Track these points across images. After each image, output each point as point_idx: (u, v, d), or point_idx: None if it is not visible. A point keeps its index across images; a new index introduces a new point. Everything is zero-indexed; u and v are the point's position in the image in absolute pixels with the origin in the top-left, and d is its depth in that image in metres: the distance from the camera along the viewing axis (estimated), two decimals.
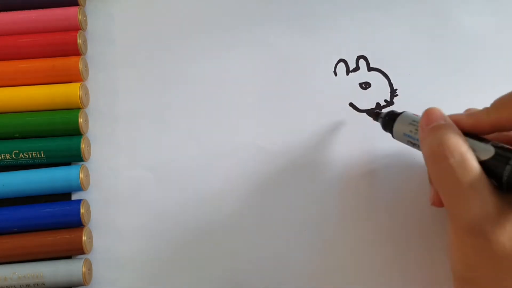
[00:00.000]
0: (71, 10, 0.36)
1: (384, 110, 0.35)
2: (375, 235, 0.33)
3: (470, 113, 0.27)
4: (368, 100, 0.36)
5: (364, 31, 0.38)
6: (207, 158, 0.35)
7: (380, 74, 0.37)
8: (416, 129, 0.29)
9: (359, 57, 0.37)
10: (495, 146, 0.26)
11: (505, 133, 0.28)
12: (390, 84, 0.37)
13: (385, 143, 0.34)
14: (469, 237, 0.25)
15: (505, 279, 0.24)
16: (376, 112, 0.34)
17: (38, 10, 0.36)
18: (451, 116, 0.28)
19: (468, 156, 0.25)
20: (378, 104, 0.36)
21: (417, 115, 0.30)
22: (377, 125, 0.33)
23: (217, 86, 0.37)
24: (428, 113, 0.28)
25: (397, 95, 0.36)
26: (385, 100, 0.36)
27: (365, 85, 0.37)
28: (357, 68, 0.37)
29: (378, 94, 0.36)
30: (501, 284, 0.24)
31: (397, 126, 0.31)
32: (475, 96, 0.36)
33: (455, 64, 0.37)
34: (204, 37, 0.37)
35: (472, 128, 0.27)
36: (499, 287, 0.24)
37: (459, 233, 0.25)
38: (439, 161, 0.26)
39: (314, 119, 0.36)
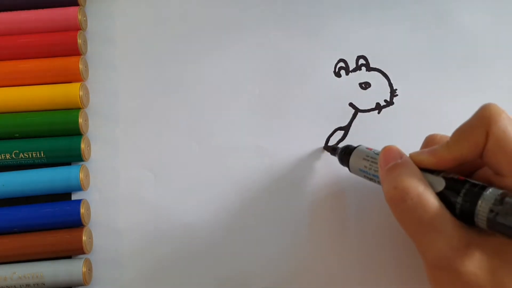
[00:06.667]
0: (71, 10, 0.36)
1: (341, 145, 0.35)
2: (374, 236, 0.34)
3: (431, 150, 0.27)
4: (368, 100, 0.36)
5: (364, 31, 0.38)
6: (207, 158, 0.35)
7: (380, 74, 0.37)
8: (371, 165, 0.29)
9: (359, 57, 0.37)
10: (446, 178, 0.26)
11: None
12: (390, 84, 0.37)
13: None
14: (440, 271, 0.25)
15: None
16: (333, 147, 0.34)
17: (38, 10, 0.36)
18: (412, 155, 0.28)
19: (425, 196, 0.25)
20: (378, 104, 0.36)
21: (371, 149, 0.30)
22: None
23: (217, 86, 0.37)
24: (385, 152, 0.28)
25: (397, 95, 0.36)
26: (385, 100, 0.36)
27: (365, 85, 0.37)
28: (357, 68, 0.37)
29: (378, 94, 0.36)
30: None
31: (352, 161, 0.31)
32: (475, 95, 0.36)
33: (455, 63, 0.37)
34: (204, 37, 0.37)
35: (435, 166, 0.27)
36: None
37: (431, 269, 0.25)
38: (397, 204, 0.26)
39: (314, 119, 0.36)
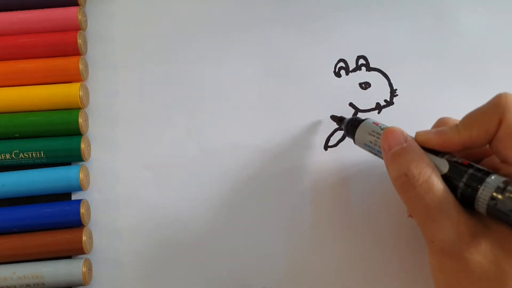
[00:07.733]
0: (71, 10, 0.36)
1: (349, 117, 0.35)
2: (378, 238, 0.34)
3: (439, 131, 0.27)
4: (368, 100, 0.36)
5: (364, 31, 0.38)
6: (207, 158, 0.35)
7: (380, 74, 0.37)
8: (376, 140, 0.29)
9: (359, 57, 0.37)
10: (450, 161, 0.26)
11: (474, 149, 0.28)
12: (390, 84, 0.37)
13: None
14: (446, 258, 0.25)
15: None
16: (340, 117, 0.34)
17: (38, 10, 0.36)
18: (418, 134, 0.27)
19: (433, 181, 0.25)
20: (378, 104, 0.36)
21: (378, 124, 0.30)
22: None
23: (217, 86, 0.37)
24: (388, 135, 0.28)
25: (397, 95, 0.36)
26: (385, 100, 0.36)
27: (365, 85, 0.37)
28: (357, 68, 0.37)
29: (378, 94, 0.36)
30: None
31: (358, 134, 0.31)
32: (475, 95, 0.36)
33: (454, 63, 0.37)
34: (204, 37, 0.37)
35: (441, 147, 0.26)
36: None
37: (437, 256, 0.25)
38: (406, 191, 0.26)
39: (314, 119, 0.36)
